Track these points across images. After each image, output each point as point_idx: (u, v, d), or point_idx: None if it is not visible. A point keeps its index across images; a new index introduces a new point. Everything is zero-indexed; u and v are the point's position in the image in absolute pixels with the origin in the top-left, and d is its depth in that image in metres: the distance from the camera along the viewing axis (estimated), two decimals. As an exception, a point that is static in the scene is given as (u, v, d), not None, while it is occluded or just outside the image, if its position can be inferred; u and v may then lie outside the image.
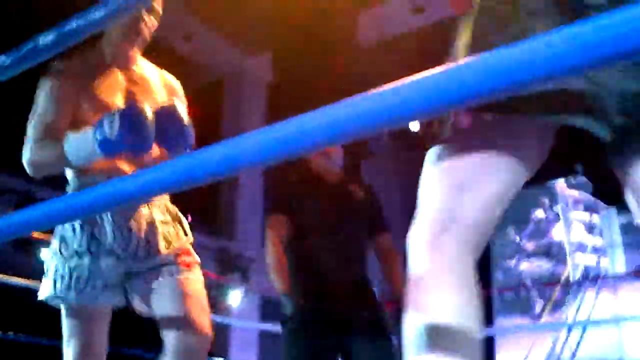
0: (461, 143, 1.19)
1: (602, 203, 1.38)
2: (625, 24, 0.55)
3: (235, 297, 7.91)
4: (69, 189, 2.24)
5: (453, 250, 1.12)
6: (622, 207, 1.26)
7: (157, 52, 2.36)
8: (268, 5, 7.11)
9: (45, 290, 2.16)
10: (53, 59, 1.98)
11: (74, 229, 2.13)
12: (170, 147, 2.05)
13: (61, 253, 2.14)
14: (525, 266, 9.95)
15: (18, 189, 6.15)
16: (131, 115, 1.85)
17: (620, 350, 8.52)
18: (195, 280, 2.18)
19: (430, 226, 1.15)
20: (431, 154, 1.23)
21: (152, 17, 2.21)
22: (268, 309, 8.07)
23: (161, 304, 2.12)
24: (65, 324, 2.14)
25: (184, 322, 2.07)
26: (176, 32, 7.90)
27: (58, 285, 2.11)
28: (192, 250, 2.25)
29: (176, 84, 2.38)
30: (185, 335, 2.06)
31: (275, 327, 3.90)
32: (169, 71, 2.38)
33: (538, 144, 1.23)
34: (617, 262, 9.06)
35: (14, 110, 6.04)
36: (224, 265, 8.27)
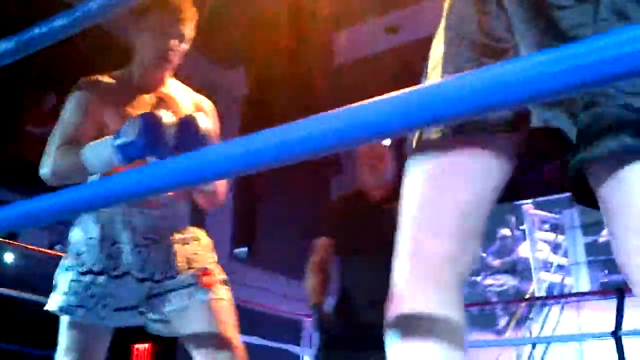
0: (428, 156, 1.20)
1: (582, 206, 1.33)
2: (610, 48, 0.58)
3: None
4: None
5: (430, 264, 1.12)
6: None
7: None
8: (243, 22, 7.20)
9: (54, 302, 2.12)
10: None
11: (91, 246, 2.11)
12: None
13: (75, 269, 2.12)
14: (490, 282, 10.07)
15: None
16: (149, 121, 1.84)
17: (581, 367, 8.66)
18: (217, 299, 2.14)
19: (408, 240, 1.15)
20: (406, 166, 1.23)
21: (183, 44, 2.25)
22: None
23: (186, 325, 2.09)
24: (66, 335, 2.10)
25: (213, 341, 2.05)
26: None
27: (68, 299, 2.09)
28: (214, 269, 2.21)
29: (206, 103, 2.39)
30: (218, 353, 2.04)
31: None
32: None
33: (504, 150, 1.27)
34: (581, 280, 9.21)
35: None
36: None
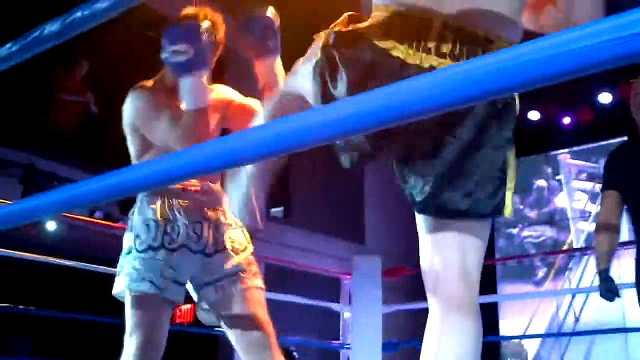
0: None
1: None
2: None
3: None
4: None
5: None
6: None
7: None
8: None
9: (119, 285, 2.31)
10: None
11: (148, 226, 2.30)
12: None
13: (136, 249, 2.29)
14: (527, 233, 10.04)
15: (21, 162, 6.21)
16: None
17: (622, 316, 8.63)
18: (255, 287, 2.38)
19: None
20: None
21: (216, 49, 2.36)
22: (270, 277, 8.17)
23: (228, 310, 2.35)
24: (131, 314, 2.26)
25: (250, 325, 2.32)
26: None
27: (131, 277, 2.26)
28: (252, 259, 2.44)
29: (256, 104, 2.46)
30: (254, 334, 2.31)
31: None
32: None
33: None
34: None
35: (16, 87, 6.13)
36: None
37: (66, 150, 6.81)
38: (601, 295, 3.23)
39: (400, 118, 0.71)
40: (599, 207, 3.44)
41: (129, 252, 2.31)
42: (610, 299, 3.24)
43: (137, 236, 2.31)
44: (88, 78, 7.27)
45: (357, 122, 0.72)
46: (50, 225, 6.35)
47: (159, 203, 2.32)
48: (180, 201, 2.34)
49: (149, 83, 2.43)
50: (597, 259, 3.29)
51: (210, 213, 2.38)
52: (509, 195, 1.47)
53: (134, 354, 2.20)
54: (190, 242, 2.33)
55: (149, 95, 2.36)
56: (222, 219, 2.41)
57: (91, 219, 5.93)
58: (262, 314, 2.35)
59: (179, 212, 2.33)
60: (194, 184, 2.37)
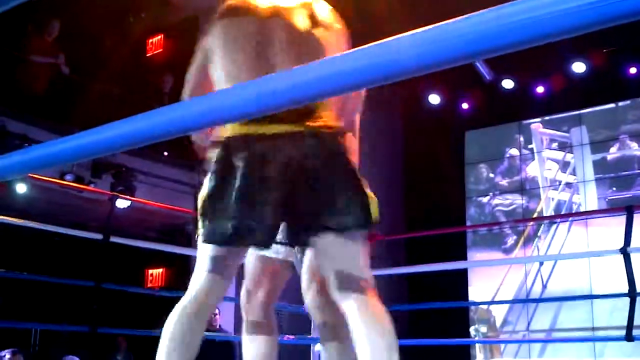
0: None
1: None
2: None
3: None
4: None
5: None
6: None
7: None
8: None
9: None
10: None
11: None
12: None
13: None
14: (498, 201, 10.14)
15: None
16: None
17: (589, 283, 8.79)
18: None
19: None
20: None
21: None
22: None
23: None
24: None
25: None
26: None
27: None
28: None
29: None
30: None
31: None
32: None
33: None
34: (589, 198, 9.26)
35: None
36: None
37: (37, 112, 6.74)
38: None
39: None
40: None
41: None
42: None
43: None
44: (59, 39, 7.16)
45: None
46: (21, 188, 6.29)
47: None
48: None
49: None
50: None
51: None
52: None
53: None
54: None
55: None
56: None
57: (62, 181, 5.88)
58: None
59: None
60: None
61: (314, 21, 2.04)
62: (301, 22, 2.02)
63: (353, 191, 1.87)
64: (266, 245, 1.86)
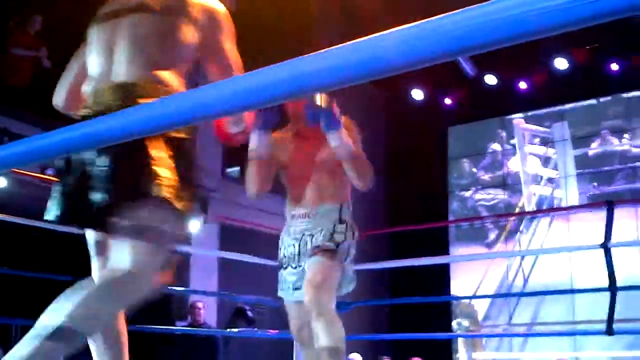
0: None
1: None
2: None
3: (194, 226, 7.98)
4: None
5: None
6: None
7: None
8: None
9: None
10: None
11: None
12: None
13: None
14: (480, 196, 10.18)
15: None
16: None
17: (570, 278, 8.85)
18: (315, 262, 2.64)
19: None
20: None
21: None
22: (226, 236, 8.18)
23: None
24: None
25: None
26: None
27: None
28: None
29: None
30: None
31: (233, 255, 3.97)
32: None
33: None
34: (570, 193, 9.32)
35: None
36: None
37: (18, 106, 6.68)
38: None
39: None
40: None
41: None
42: None
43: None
44: (42, 32, 7.09)
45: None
46: (1, 182, 6.23)
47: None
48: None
49: None
50: None
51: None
52: None
53: None
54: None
55: None
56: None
57: (42, 176, 5.83)
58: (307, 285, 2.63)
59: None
60: None
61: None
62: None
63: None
64: None
